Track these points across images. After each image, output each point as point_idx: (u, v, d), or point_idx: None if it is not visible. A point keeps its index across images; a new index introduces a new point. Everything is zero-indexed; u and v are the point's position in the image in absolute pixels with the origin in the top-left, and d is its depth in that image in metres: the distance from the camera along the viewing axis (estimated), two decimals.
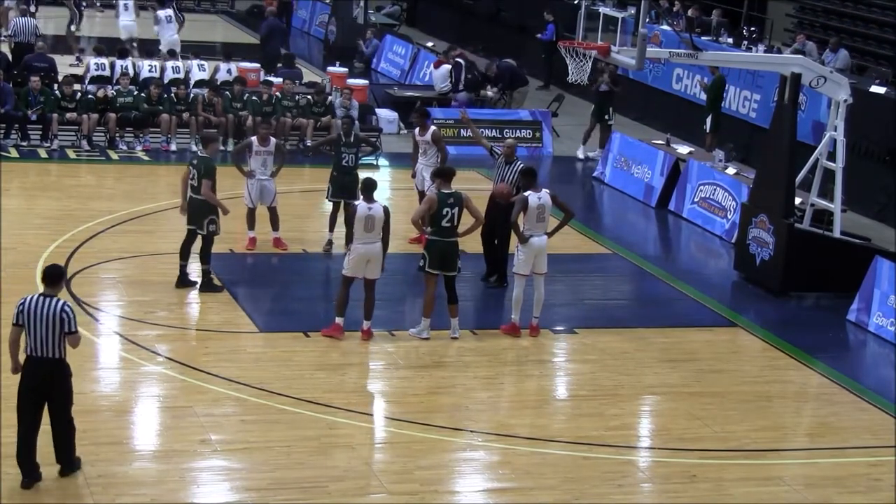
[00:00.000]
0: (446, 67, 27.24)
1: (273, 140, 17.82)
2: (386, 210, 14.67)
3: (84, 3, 33.57)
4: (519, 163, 16.90)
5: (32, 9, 30.27)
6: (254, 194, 17.55)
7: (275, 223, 17.82)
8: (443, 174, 15.23)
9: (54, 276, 10.75)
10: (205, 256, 15.94)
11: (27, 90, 22.45)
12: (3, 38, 28.45)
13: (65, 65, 26.38)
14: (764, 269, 18.03)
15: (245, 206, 17.67)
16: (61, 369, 10.61)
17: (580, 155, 25.37)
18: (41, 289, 10.85)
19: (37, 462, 10.75)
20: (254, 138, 17.76)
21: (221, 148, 23.20)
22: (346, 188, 17.37)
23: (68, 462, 10.89)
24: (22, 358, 10.65)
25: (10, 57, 25.96)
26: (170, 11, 29.24)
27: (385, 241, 14.70)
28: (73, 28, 31.76)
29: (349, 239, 14.81)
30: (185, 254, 15.98)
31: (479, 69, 27.91)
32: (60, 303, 10.53)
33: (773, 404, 14.24)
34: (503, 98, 27.47)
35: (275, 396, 13.05)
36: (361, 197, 14.77)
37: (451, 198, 14.84)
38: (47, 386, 10.57)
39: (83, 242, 17.42)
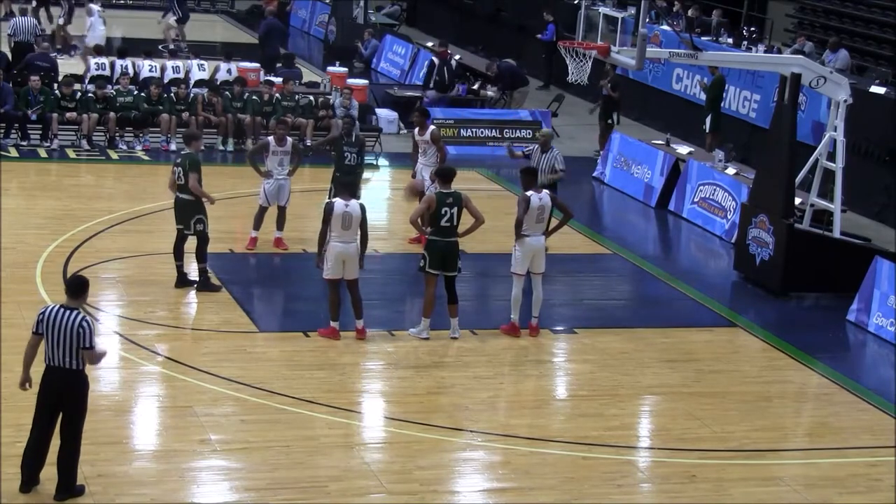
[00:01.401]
0: (454, 62, 27.14)
1: (289, 140, 17.82)
2: (362, 208, 14.64)
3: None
4: (555, 150, 17.90)
5: (31, 6, 30.12)
6: (270, 194, 17.57)
7: (281, 223, 17.83)
8: (442, 174, 15.23)
9: (76, 288, 10.61)
10: (200, 255, 15.95)
11: (27, 90, 22.44)
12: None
13: (63, 63, 26.35)
14: (764, 269, 18.03)
15: (255, 206, 17.70)
16: (77, 380, 10.50)
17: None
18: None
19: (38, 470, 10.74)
20: (271, 138, 17.73)
21: (221, 148, 23.31)
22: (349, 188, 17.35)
23: (66, 485, 10.64)
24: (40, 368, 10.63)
25: (10, 56, 25.96)
26: (100, 6, 28.77)
27: (363, 240, 14.66)
28: (61, 21, 31.59)
29: (323, 239, 14.66)
30: (178, 254, 15.98)
31: (448, 72, 27.07)
32: (80, 316, 10.39)
33: (772, 404, 14.24)
34: (503, 98, 27.47)
35: (274, 396, 13.05)
36: (338, 195, 14.76)
37: (451, 197, 14.84)
38: (62, 396, 10.50)
39: (83, 242, 17.42)
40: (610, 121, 25.05)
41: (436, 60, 27.23)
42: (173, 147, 22.83)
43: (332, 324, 14.77)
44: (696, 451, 12.71)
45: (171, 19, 31.98)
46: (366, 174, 19.58)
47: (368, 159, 21.63)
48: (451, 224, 14.83)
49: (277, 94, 23.74)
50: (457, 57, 29.96)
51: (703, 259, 20.48)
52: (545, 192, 15.36)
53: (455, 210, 14.80)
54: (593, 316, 16.73)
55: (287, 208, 17.76)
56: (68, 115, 22.48)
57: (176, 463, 11.56)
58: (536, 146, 18.28)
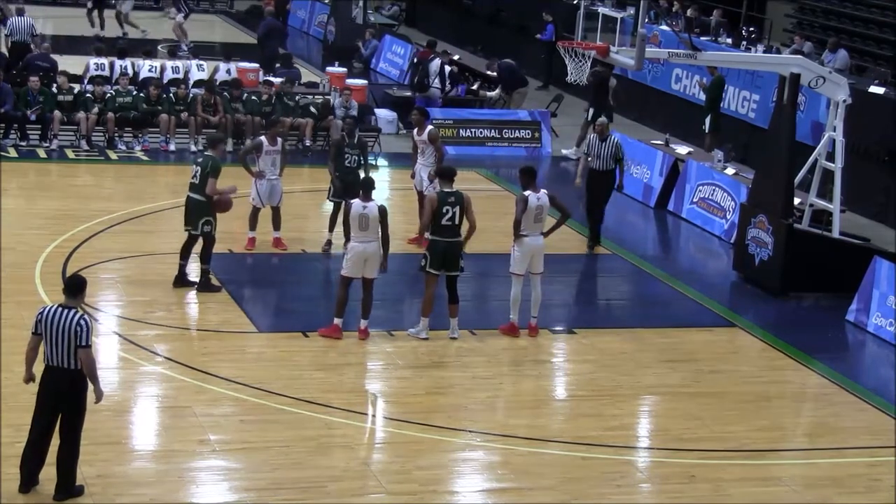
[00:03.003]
0: (437, 62, 27.02)
1: (279, 140, 17.84)
2: (381, 209, 14.64)
3: None
4: (613, 138, 18.67)
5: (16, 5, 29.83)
6: (263, 194, 17.55)
7: (277, 223, 17.83)
8: (443, 173, 15.24)
9: (74, 287, 10.62)
10: (205, 257, 15.95)
11: (26, 90, 22.41)
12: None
13: (66, 64, 26.29)
14: (763, 269, 18.03)
15: (248, 206, 17.68)
16: (77, 380, 10.49)
17: (572, 155, 25.16)
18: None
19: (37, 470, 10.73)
20: (263, 138, 17.71)
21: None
22: (348, 188, 17.36)
23: (65, 485, 10.65)
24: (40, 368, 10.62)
25: (7, 56, 25.91)
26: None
27: (385, 241, 14.68)
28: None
29: (347, 238, 14.80)
30: (184, 253, 15.99)
31: (424, 72, 26.57)
32: (78, 315, 10.41)
33: (772, 404, 14.24)
34: (502, 98, 27.46)
35: (273, 396, 13.05)
36: (360, 195, 14.78)
37: (452, 196, 14.84)
38: (61, 396, 10.50)
39: (82, 242, 17.42)
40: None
41: (414, 60, 27.20)
42: (172, 147, 22.84)
43: (336, 321, 14.76)
44: (696, 451, 12.71)
45: (179, 17, 31.89)
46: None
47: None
48: (453, 223, 14.81)
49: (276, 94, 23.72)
50: (455, 57, 29.95)
51: (703, 259, 20.48)
52: (543, 191, 15.35)
53: (457, 209, 14.79)
54: (593, 316, 16.73)
55: (281, 208, 17.76)
56: (58, 112, 22.22)
57: (175, 463, 11.56)
58: (594, 135, 19.05)
